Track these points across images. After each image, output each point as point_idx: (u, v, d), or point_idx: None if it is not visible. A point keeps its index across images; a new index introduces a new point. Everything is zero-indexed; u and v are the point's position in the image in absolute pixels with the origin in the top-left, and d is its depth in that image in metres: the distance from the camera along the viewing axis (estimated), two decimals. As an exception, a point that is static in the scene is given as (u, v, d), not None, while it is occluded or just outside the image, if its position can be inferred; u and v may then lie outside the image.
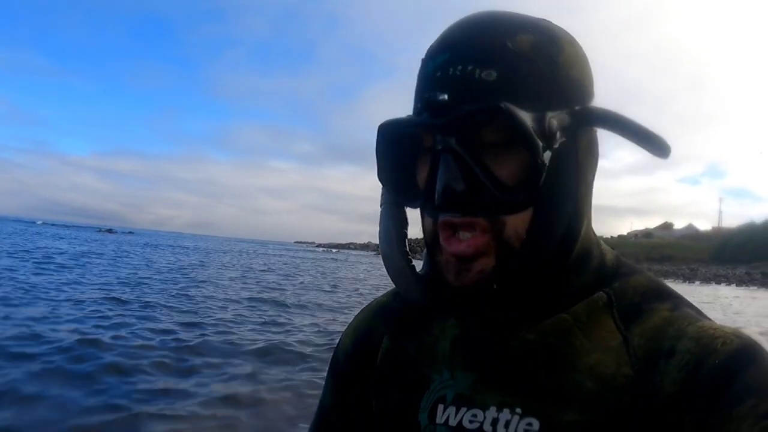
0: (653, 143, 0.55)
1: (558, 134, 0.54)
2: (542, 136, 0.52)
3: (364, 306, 0.81)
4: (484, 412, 0.59)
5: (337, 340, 0.81)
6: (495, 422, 0.57)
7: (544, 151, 0.52)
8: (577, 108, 0.56)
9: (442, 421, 0.61)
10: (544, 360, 0.58)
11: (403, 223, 0.64)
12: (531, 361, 0.58)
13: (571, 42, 0.59)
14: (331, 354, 0.80)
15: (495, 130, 0.53)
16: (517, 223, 0.55)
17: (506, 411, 0.57)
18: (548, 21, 0.59)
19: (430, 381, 0.64)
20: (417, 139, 0.59)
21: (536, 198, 0.55)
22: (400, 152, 0.60)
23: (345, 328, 0.81)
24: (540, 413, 0.56)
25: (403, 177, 0.61)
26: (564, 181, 0.57)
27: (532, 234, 0.55)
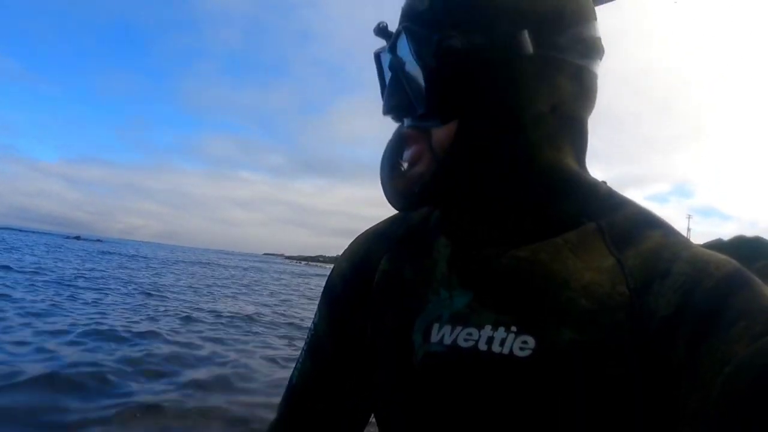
0: None
1: (467, 53, 0.56)
2: (435, 56, 0.56)
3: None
4: (479, 331, 0.58)
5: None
6: (490, 341, 0.57)
7: (432, 70, 0.57)
8: (523, 33, 0.56)
9: (437, 340, 0.61)
10: (536, 277, 0.57)
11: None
12: (524, 279, 0.58)
13: None
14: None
15: (404, 50, 0.59)
16: (441, 134, 0.58)
17: (501, 329, 0.57)
18: None
19: (426, 302, 0.64)
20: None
21: (459, 112, 0.57)
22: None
23: (341, 253, 0.80)
24: (535, 331, 0.55)
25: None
26: (490, 98, 0.57)
27: (455, 145, 0.58)
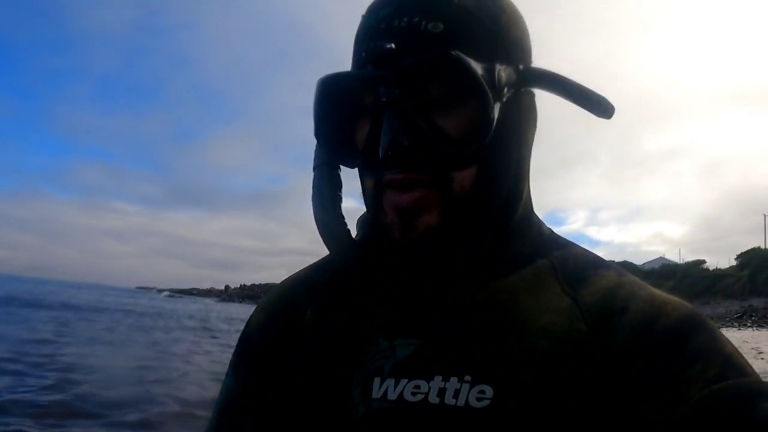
0: (596, 104, 0.57)
1: (506, 88, 0.54)
2: (492, 87, 0.52)
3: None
4: (428, 383, 0.55)
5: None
6: (442, 392, 0.54)
7: (494, 102, 0.52)
8: (521, 66, 0.57)
9: (379, 396, 0.57)
10: (494, 321, 0.56)
11: (338, 184, 0.62)
12: (480, 323, 0.56)
13: (511, 3, 0.60)
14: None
15: (441, 81, 0.53)
16: (463, 178, 0.54)
17: (454, 380, 0.54)
18: None
19: (364, 353, 0.60)
20: (358, 95, 0.57)
21: (482, 154, 0.54)
22: (339, 109, 0.58)
23: (255, 306, 0.75)
24: (493, 379, 0.53)
25: (342, 136, 0.58)
26: (508, 139, 0.57)
27: (478, 190, 0.55)
